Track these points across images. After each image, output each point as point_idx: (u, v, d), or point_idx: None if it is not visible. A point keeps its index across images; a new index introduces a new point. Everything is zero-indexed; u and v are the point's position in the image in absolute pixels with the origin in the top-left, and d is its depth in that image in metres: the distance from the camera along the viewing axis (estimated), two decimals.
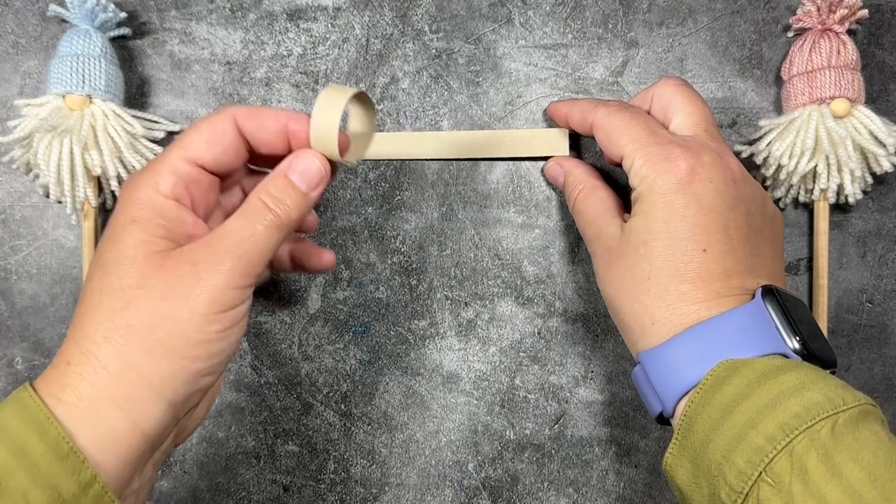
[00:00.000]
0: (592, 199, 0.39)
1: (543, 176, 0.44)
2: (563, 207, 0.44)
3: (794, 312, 0.32)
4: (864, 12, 0.42)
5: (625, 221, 0.36)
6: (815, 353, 0.31)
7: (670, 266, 0.33)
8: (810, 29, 0.42)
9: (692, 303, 0.33)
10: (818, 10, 0.42)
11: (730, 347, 0.31)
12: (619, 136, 0.36)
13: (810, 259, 0.44)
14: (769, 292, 0.32)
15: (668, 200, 0.34)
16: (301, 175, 0.32)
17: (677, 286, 0.33)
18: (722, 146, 0.36)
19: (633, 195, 0.36)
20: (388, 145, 0.44)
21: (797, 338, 0.31)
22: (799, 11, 0.43)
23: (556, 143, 0.44)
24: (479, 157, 0.44)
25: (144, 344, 0.29)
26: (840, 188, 0.42)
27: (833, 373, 0.32)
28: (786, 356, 0.31)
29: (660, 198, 0.34)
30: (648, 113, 0.38)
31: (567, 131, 0.43)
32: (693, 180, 0.34)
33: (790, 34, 0.44)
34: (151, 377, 0.29)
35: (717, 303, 0.32)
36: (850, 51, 0.41)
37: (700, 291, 0.33)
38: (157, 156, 0.32)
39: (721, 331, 0.32)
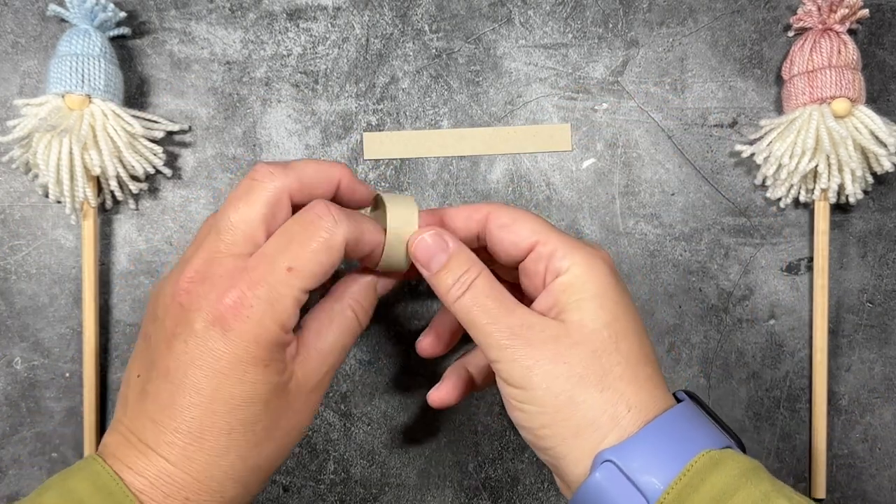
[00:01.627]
0: (496, 285, 0.33)
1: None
2: (563, 207, 0.44)
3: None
4: (865, 12, 0.42)
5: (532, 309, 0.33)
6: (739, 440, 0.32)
7: (636, 349, 0.32)
8: (811, 28, 0.42)
9: (658, 386, 0.32)
10: (819, 9, 0.42)
11: (698, 435, 0.30)
12: (524, 225, 0.34)
13: (810, 259, 0.44)
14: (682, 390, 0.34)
15: (612, 283, 0.32)
16: (383, 286, 0.36)
17: (644, 369, 0.32)
18: None
19: (561, 281, 0.32)
20: (391, 145, 0.44)
21: (726, 433, 0.32)
22: (799, 11, 0.43)
23: (559, 137, 0.43)
24: (482, 153, 0.44)
25: (255, 470, 0.31)
26: (841, 188, 0.42)
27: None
28: (730, 447, 0.31)
29: (604, 280, 0.32)
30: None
31: (569, 126, 0.43)
32: (614, 267, 0.34)
33: (791, 34, 0.44)
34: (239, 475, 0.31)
35: (666, 395, 0.32)
36: (851, 50, 0.41)
37: (658, 374, 0.32)
38: (271, 275, 0.30)
39: (686, 417, 0.31)
